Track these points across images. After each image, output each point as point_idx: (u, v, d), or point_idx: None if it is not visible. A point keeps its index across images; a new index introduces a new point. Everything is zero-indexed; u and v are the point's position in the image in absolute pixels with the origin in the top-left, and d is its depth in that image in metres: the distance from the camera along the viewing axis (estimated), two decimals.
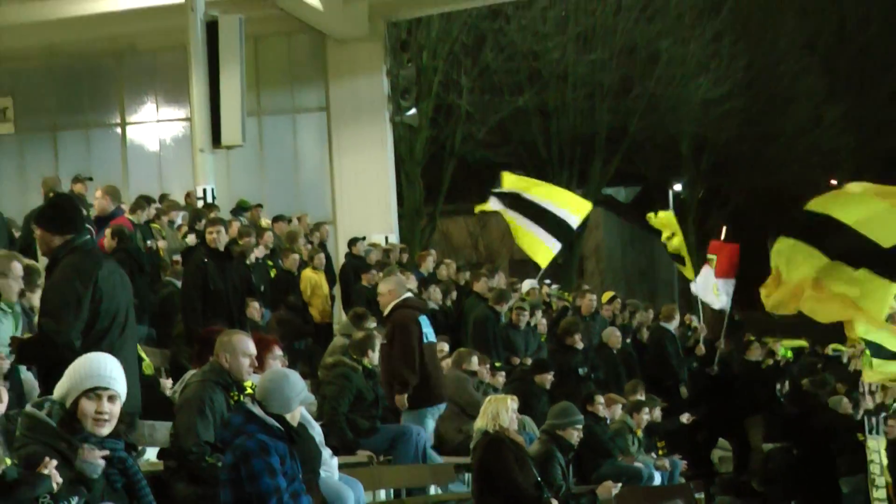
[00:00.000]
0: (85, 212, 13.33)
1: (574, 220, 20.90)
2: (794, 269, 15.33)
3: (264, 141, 28.23)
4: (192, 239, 17.66)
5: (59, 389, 6.49)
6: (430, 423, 12.96)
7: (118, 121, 29.15)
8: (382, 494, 11.95)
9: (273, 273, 18.56)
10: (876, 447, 16.86)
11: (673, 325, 20.80)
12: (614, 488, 12.94)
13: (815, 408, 19.74)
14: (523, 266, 24.27)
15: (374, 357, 12.62)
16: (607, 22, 38.47)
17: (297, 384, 7.75)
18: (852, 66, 49.81)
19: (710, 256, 21.66)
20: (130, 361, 7.71)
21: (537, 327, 18.90)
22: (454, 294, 19.93)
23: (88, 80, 29.00)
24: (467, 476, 12.89)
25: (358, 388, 12.46)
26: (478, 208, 22.74)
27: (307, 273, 18.93)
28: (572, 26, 37.87)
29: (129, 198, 19.28)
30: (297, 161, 28.65)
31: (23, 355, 8.09)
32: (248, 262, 17.14)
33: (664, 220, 22.42)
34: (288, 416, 7.62)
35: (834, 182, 51.74)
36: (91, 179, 19.47)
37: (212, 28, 23.83)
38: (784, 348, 26.31)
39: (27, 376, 8.95)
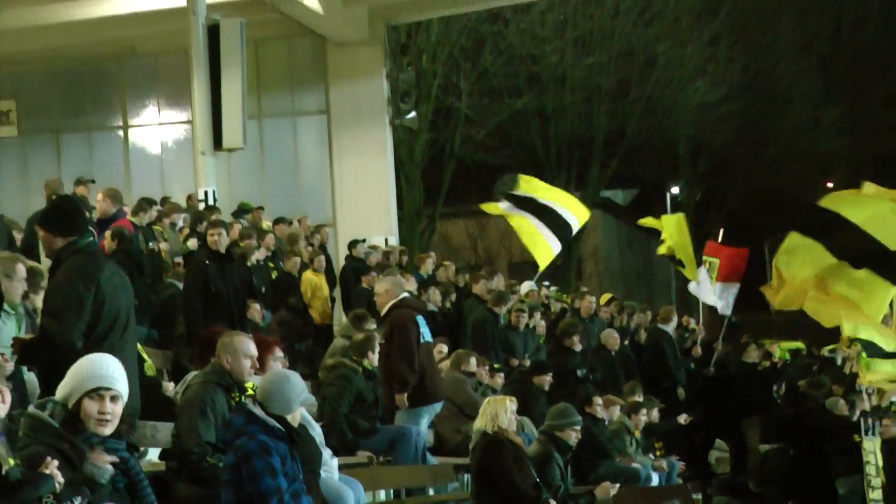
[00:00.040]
0: (87, 214, 13.36)
1: (575, 225, 21.13)
2: (802, 266, 15.35)
3: (265, 144, 28.24)
4: (193, 243, 17.65)
5: (62, 390, 6.49)
6: (425, 423, 12.92)
7: (120, 124, 29.18)
8: (382, 495, 11.95)
9: (274, 275, 18.57)
10: (872, 448, 16.90)
11: (670, 327, 20.79)
12: (612, 489, 12.95)
13: (811, 409, 19.77)
14: (522, 268, 24.30)
15: (374, 358, 12.63)
16: (605, 26, 38.48)
17: (298, 385, 7.75)
18: (848, 70, 49.81)
19: (710, 259, 21.60)
20: (130, 363, 7.71)
21: (536, 329, 18.89)
22: (453, 296, 19.93)
23: (91, 83, 29.03)
24: (466, 477, 12.89)
25: (358, 389, 12.46)
26: (487, 210, 22.73)
27: (307, 275, 18.93)
28: (570, 30, 37.87)
29: (131, 200, 19.28)
30: (298, 164, 28.66)
31: (24, 356, 8.08)
32: (248, 263, 17.14)
33: (673, 222, 22.14)
34: (289, 417, 7.62)
35: (830, 185, 51.86)
36: (93, 182, 19.48)
37: (213, 32, 23.88)
38: (781, 350, 26.33)
39: (30, 377, 8.95)
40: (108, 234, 15.03)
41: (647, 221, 23.64)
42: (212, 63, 23.83)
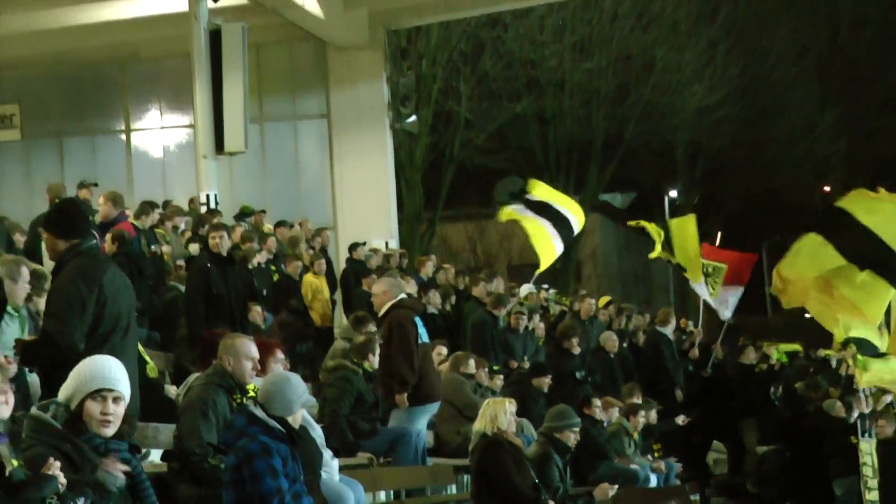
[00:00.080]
0: (90, 217, 13.36)
1: (576, 227, 21.54)
2: (809, 264, 15.37)
3: (266, 147, 28.26)
4: (194, 248, 17.65)
5: (64, 392, 6.50)
6: (421, 423, 12.88)
7: (123, 127, 29.19)
8: (382, 496, 11.95)
9: (275, 277, 18.57)
10: (868, 450, 16.89)
11: (669, 329, 20.79)
12: (611, 490, 12.95)
13: (807, 411, 19.77)
14: (521, 271, 24.34)
15: (374, 360, 12.62)
16: (604, 30, 38.52)
17: (299, 387, 7.75)
18: (845, 73, 49.87)
19: (713, 264, 21.55)
20: (131, 364, 7.71)
21: (535, 331, 18.90)
22: (453, 298, 19.93)
23: (93, 87, 29.03)
24: (466, 478, 12.89)
25: (358, 390, 12.47)
26: (503, 218, 23.00)
27: (308, 278, 18.94)
28: (569, 35, 37.90)
29: (134, 203, 19.27)
30: (299, 167, 28.67)
31: (26, 357, 8.09)
32: (250, 266, 17.14)
33: (682, 224, 22.03)
34: (290, 419, 7.62)
35: (827, 189, 51.91)
36: (96, 185, 19.46)
37: (215, 36, 23.89)
38: (778, 352, 26.32)
39: (33, 379, 8.95)
40: (108, 237, 15.03)
41: (639, 223, 23.63)
42: (213, 67, 23.84)
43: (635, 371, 19.68)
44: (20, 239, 16.02)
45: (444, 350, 15.82)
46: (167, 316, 15.86)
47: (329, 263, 20.48)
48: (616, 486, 13.13)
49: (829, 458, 18.05)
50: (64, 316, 7.67)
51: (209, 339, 9.39)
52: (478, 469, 11.44)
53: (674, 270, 40.99)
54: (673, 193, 48.85)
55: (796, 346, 30.36)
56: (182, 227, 19.28)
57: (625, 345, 20.40)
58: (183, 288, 15.38)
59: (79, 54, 28.12)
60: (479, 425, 11.53)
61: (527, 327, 18.36)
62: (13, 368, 8.34)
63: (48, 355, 7.75)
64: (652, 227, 22.45)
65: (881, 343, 16.30)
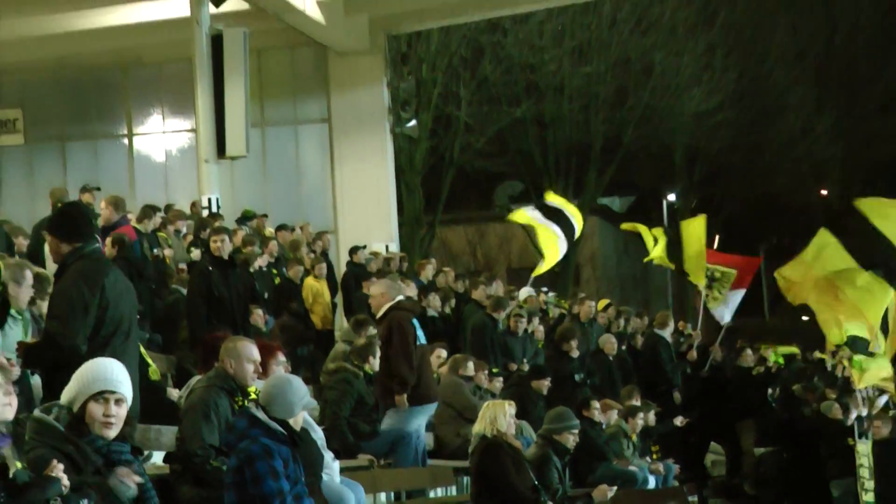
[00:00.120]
0: (94, 221, 13.37)
1: (577, 230, 21.86)
2: (817, 263, 15.40)
3: (267, 151, 28.27)
4: (196, 254, 17.66)
5: (67, 394, 6.51)
6: (416, 423, 12.87)
7: (125, 132, 29.21)
8: (383, 497, 11.96)
9: (277, 281, 18.58)
10: (865, 451, 16.92)
11: (667, 332, 20.81)
12: (609, 491, 12.96)
13: (805, 413, 19.79)
14: (521, 274, 24.38)
15: (375, 363, 12.63)
16: (602, 35, 38.51)
17: (300, 389, 7.77)
18: (841, 78, 49.87)
19: (722, 269, 21.56)
20: (132, 367, 7.73)
21: (534, 334, 18.91)
22: (453, 301, 19.94)
23: (96, 91, 29.05)
24: (466, 479, 12.91)
25: (359, 393, 12.48)
26: (516, 218, 23.39)
27: (309, 281, 18.95)
28: (568, 39, 37.88)
29: (136, 207, 19.29)
30: (300, 171, 28.68)
31: (29, 359, 8.10)
32: (251, 270, 17.15)
33: (693, 225, 21.96)
34: (291, 421, 7.64)
35: (824, 192, 51.95)
36: (99, 189, 19.48)
37: (216, 41, 23.89)
38: (775, 355, 26.32)
39: (36, 381, 8.97)
40: (108, 240, 15.04)
41: (630, 226, 23.69)
42: (215, 72, 23.86)
43: (634, 373, 19.70)
44: (22, 242, 16.04)
45: (444, 353, 15.82)
46: (169, 319, 15.87)
47: (330, 267, 20.49)
48: (615, 488, 13.15)
49: (827, 460, 18.07)
50: (66, 318, 7.69)
51: (211, 342, 9.41)
52: (477, 471, 11.45)
53: (672, 274, 41.08)
54: (671, 197, 48.84)
55: (793, 349, 30.39)
56: (184, 230, 19.29)
57: (623, 347, 20.42)
58: (185, 291, 15.39)
59: (81, 59, 28.15)
60: (478, 427, 11.55)
61: (526, 330, 18.37)
62: (16, 371, 8.35)
63: (50, 357, 7.76)
64: (645, 231, 22.47)
65: (873, 342, 16.34)
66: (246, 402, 8.45)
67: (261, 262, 18.02)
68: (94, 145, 29.12)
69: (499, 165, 41.52)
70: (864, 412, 19.51)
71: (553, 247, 22.57)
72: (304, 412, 7.85)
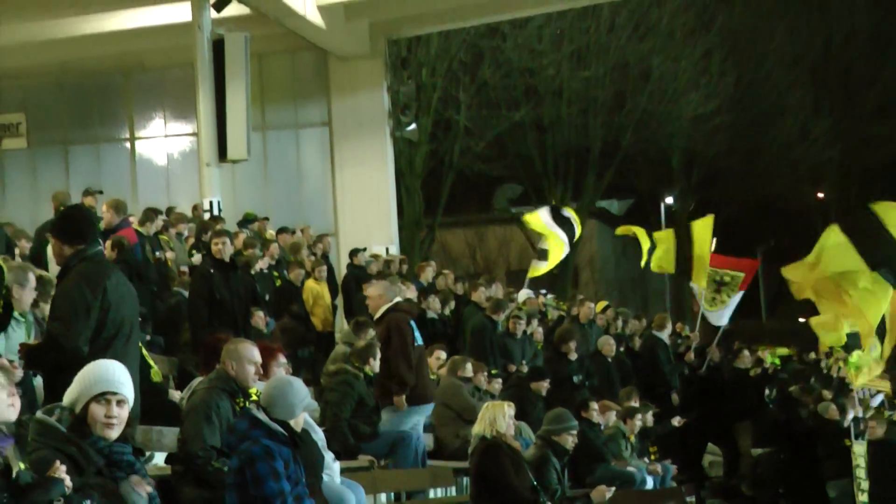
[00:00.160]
0: (97, 224, 13.37)
1: (576, 234, 22.26)
2: (826, 262, 15.37)
3: (268, 155, 28.30)
4: (197, 258, 17.66)
5: (69, 396, 6.51)
6: (412, 422, 12.87)
7: (127, 136, 29.24)
8: (383, 498, 11.96)
9: (278, 283, 18.58)
10: (861, 452, 16.92)
11: (665, 334, 20.81)
12: (608, 492, 12.95)
13: (801, 414, 19.79)
14: (520, 276, 24.39)
15: (375, 365, 12.63)
16: (601, 40, 38.53)
17: (301, 391, 7.77)
18: (838, 82, 49.89)
19: (731, 273, 21.55)
20: (133, 370, 7.73)
21: (533, 335, 18.91)
22: (452, 303, 19.93)
23: (98, 96, 29.08)
24: (465, 480, 12.91)
25: (359, 394, 12.48)
26: (528, 221, 23.81)
27: (309, 283, 18.94)
28: (567, 44, 37.91)
29: (138, 211, 19.30)
30: (301, 174, 28.70)
31: (31, 360, 8.11)
32: (252, 272, 17.14)
33: (702, 226, 21.87)
34: (292, 422, 7.64)
35: (821, 195, 51.96)
36: (101, 193, 19.49)
37: (218, 46, 23.90)
38: (770, 356, 26.34)
39: (39, 383, 8.97)
40: (107, 244, 15.03)
41: (625, 230, 23.67)
42: (217, 77, 23.87)
43: (632, 375, 19.70)
44: (25, 245, 16.04)
45: (444, 354, 15.81)
46: (171, 321, 15.87)
47: (330, 269, 20.49)
48: (613, 489, 13.13)
49: (823, 461, 18.07)
50: (68, 319, 7.69)
51: (213, 344, 9.41)
52: (477, 471, 11.45)
53: (670, 276, 41.04)
54: (669, 200, 48.85)
55: (790, 350, 30.41)
56: (186, 233, 19.30)
57: (621, 349, 20.42)
58: (187, 293, 15.39)
59: (84, 64, 28.17)
60: (478, 428, 11.55)
61: (525, 332, 18.36)
62: (19, 373, 8.36)
63: (52, 358, 7.77)
64: (642, 234, 22.40)
65: (867, 343, 16.34)
66: (247, 403, 8.45)
67: (262, 264, 18.02)
68: (96, 149, 29.15)
69: (498, 169, 41.53)
70: (861, 413, 19.54)
71: (558, 252, 22.91)
72: (304, 413, 7.86)
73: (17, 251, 14.90)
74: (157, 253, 17.17)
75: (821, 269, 16.34)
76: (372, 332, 14.03)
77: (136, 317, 8.26)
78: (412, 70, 31.21)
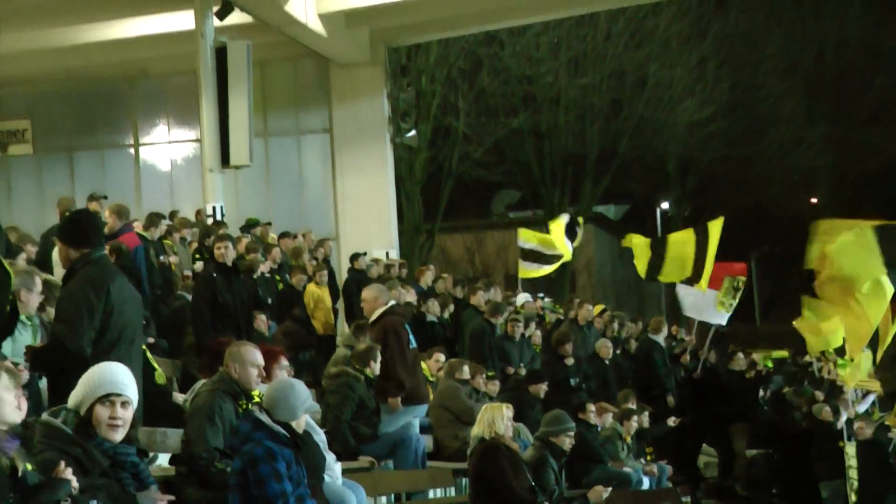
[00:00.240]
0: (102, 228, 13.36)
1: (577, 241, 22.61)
2: (847, 261, 15.27)
3: (270, 161, 28.30)
4: (199, 266, 17.65)
5: (74, 398, 6.52)
6: (403, 420, 12.86)
7: (131, 142, 29.24)
8: (384, 499, 11.95)
9: (280, 287, 18.58)
10: (854, 453, 16.93)
11: (661, 337, 20.82)
12: (604, 492, 12.95)
13: (795, 415, 19.81)
14: (518, 280, 24.39)
15: (375, 367, 12.62)
16: (598, 48, 38.58)
17: (303, 393, 7.78)
18: (831, 90, 49.91)
19: (742, 278, 21.52)
20: (136, 373, 7.74)
21: (531, 338, 18.91)
22: (451, 307, 19.93)
23: (103, 103, 29.09)
24: (464, 481, 12.91)
25: (360, 396, 12.47)
26: (553, 225, 24.30)
27: (311, 287, 18.94)
28: (564, 52, 37.95)
29: (142, 216, 19.30)
30: (302, 180, 28.70)
31: (36, 362, 8.12)
32: (255, 276, 17.15)
33: (716, 228, 21.70)
34: (294, 424, 7.64)
35: (814, 200, 51.95)
36: (105, 198, 19.46)
37: (221, 54, 23.92)
38: (763, 359, 26.34)
39: (44, 386, 8.97)
40: (106, 248, 15.00)
41: (631, 243, 23.36)
42: (219, 84, 23.88)
43: (629, 377, 19.71)
44: (31, 250, 16.03)
45: (443, 357, 15.82)
46: (174, 324, 15.86)
47: (331, 273, 20.49)
48: (610, 489, 13.13)
49: (816, 462, 18.09)
50: (72, 322, 7.71)
51: (216, 347, 9.41)
52: (476, 472, 11.45)
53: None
54: (665, 205, 48.86)
55: (784, 353, 30.42)
56: (189, 238, 19.30)
57: (618, 352, 20.43)
58: (190, 297, 15.39)
59: (89, 71, 28.19)
60: (477, 430, 11.55)
61: (523, 335, 18.37)
62: (25, 375, 8.36)
63: (57, 360, 7.78)
64: (639, 245, 22.09)
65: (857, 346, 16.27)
66: (250, 405, 8.45)
67: (264, 268, 18.02)
68: (101, 155, 29.15)
69: (496, 175, 41.55)
70: (853, 413, 19.56)
71: (562, 257, 23.17)
72: (306, 415, 7.86)
73: (24, 255, 14.88)
74: (161, 257, 17.16)
75: (842, 265, 15.99)
76: None
77: (139, 320, 8.27)
78: (412, 77, 31.23)
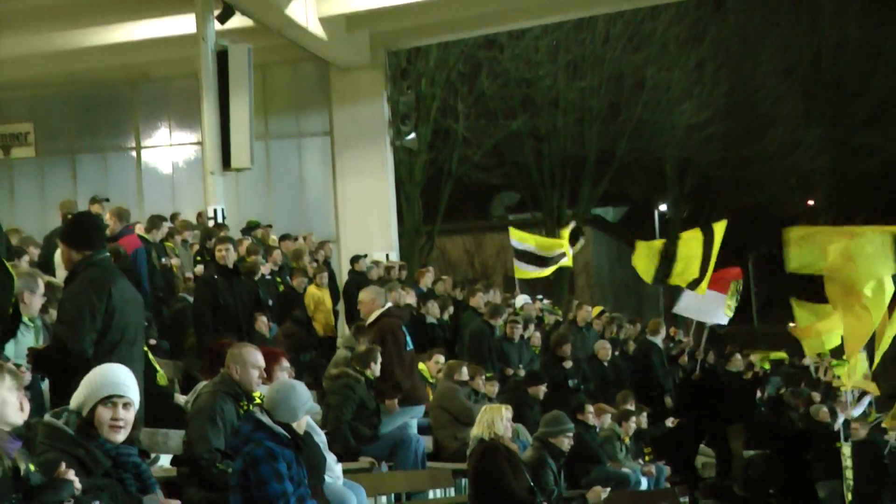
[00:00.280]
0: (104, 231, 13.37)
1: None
2: (861, 260, 15.22)
3: (271, 164, 28.31)
4: (200, 268, 17.66)
5: (76, 399, 6.53)
6: (399, 420, 12.87)
7: (133, 145, 29.26)
8: (384, 499, 11.96)
9: (281, 289, 18.58)
10: (850, 453, 16.94)
11: (659, 338, 20.82)
12: (603, 493, 12.97)
13: (792, 416, 19.81)
14: (517, 282, 24.41)
15: (376, 369, 12.64)
16: (596, 51, 38.56)
17: (303, 394, 7.79)
18: (828, 93, 49.91)
19: (739, 280, 21.55)
20: (138, 375, 7.75)
21: (530, 340, 18.92)
22: (451, 308, 19.94)
23: (105, 106, 29.11)
24: (464, 481, 12.92)
25: (360, 397, 12.48)
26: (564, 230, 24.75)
27: (311, 289, 18.95)
28: (563, 55, 37.94)
29: (144, 218, 19.31)
30: (303, 183, 28.71)
31: (38, 363, 8.13)
32: (255, 278, 17.15)
33: (720, 231, 21.57)
34: (294, 425, 7.65)
35: (811, 202, 51.96)
36: (107, 200, 19.49)
37: (222, 57, 23.91)
38: (760, 360, 26.34)
39: (46, 387, 8.98)
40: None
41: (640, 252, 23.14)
42: (221, 87, 23.87)
43: (627, 378, 19.71)
44: (34, 252, 16.03)
45: (442, 358, 15.83)
46: (176, 326, 15.88)
47: (332, 275, 20.50)
48: (608, 490, 13.15)
49: (813, 462, 18.09)
50: (74, 322, 7.73)
51: (217, 349, 9.43)
52: (475, 473, 11.46)
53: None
54: (663, 207, 48.85)
55: (782, 354, 30.40)
56: (190, 240, 19.30)
57: (616, 353, 20.44)
58: (191, 299, 15.40)
59: (91, 75, 28.19)
60: (476, 431, 11.56)
61: (522, 336, 18.38)
62: (27, 376, 8.38)
63: (59, 361, 7.79)
64: (648, 250, 22.00)
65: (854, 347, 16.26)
66: (251, 406, 8.46)
67: (265, 270, 18.02)
68: (103, 158, 29.16)
69: (496, 177, 41.53)
70: (850, 414, 19.55)
71: (564, 257, 23.23)
72: (307, 416, 7.87)
73: (26, 257, 14.90)
74: (163, 259, 17.18)
75: (857, 266, 15.85)
76: None
77: (140, 322, 8.28)
78: (412, 80, 31.24)
